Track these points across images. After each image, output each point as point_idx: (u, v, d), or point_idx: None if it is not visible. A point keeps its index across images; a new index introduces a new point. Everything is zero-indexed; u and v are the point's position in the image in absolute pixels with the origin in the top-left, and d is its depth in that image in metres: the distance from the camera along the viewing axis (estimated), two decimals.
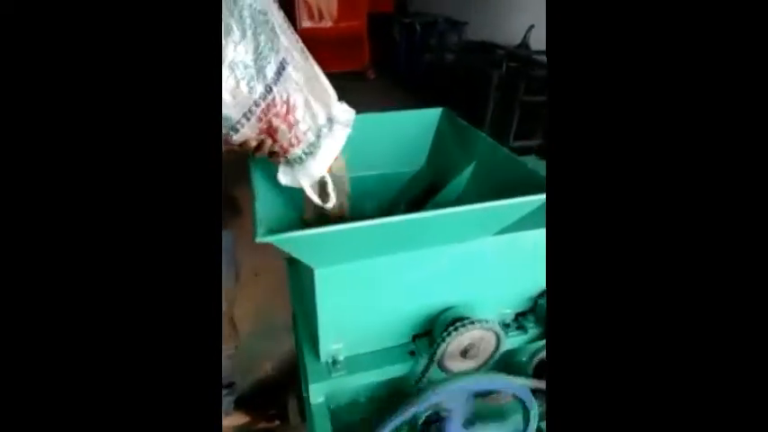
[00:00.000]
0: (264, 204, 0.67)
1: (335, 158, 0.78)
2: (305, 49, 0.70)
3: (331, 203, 0.84)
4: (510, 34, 3.58)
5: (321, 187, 0.82)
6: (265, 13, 0.63)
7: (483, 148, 0.91)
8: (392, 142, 1.06)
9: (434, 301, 0.86)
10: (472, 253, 0.81)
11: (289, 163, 0.76)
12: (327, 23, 4.52)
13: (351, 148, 0.80)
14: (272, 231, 0.59)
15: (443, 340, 0.79)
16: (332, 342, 0.82)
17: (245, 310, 1.64)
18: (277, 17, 0.64)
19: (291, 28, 0.67)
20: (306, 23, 4.44)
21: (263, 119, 0.67)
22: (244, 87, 0.63)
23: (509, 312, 0.95)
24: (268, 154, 0.73)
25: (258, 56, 0.63)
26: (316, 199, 0.82)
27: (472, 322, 0.79)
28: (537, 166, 0.91)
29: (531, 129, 2.47)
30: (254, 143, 0.70)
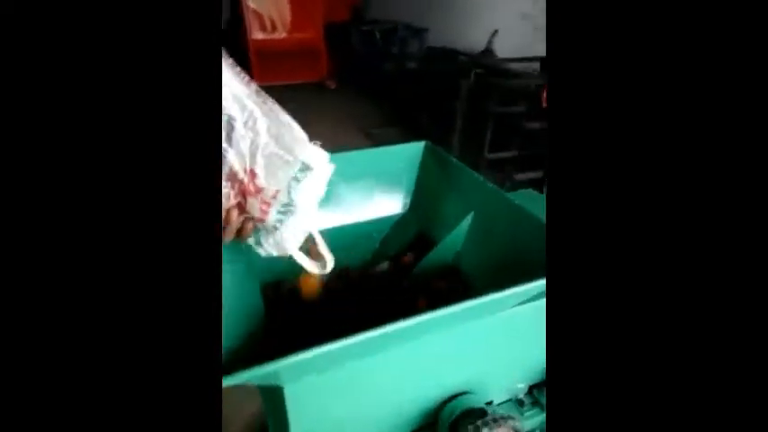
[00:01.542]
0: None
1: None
2: (260, 91, 0.52)
3: (329, 265, 0.67)
4: (472, 40, 3.48)
5: (311, 250, 0.66)
6: None
7: (482, 196, 0.75)
8: (369, 184, 0.89)
9: (437, 389, 0.69)
10: (479, 332, 0.65)
11: (266, 231, 0.58)
12: (281, 34, 4.29)
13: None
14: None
15: None
16: None
17: None
18: None
19: (237, 68, 0.49)
20: (257, 35, 4.19)
21: (230, 195, 0.52)
22: None
23: (522, 387, 0.79)
24: (236, 234, 0.56)
25: None
26: (310, 266, 0.65)
27: (486, 423, 0.63)
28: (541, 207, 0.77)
29: (505, 140, 2.36)
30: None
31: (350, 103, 4.11)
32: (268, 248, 0.59)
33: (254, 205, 0.54)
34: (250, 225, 0.56)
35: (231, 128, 0.48)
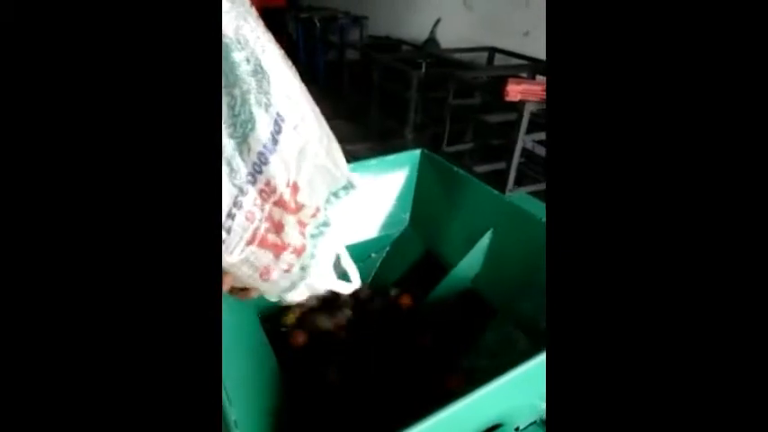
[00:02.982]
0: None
1: None
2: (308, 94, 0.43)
3: (357, 282, 0.58)
4: (412, 28, 3.43)
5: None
6: (232, 48, 0.36)
7: (498, 210, 0.69)
8: (363, 200, 0.80)
9: (468, 430, 0.64)
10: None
11: (297, 275, 0.48)
12: None
13: None
14: None
15: None
16: None
17: None
18: (268, 51, 0.37)
19: (289, 62, 0.40)
20: None
21: (255, 216, 0.40)
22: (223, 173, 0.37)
23: (545, 407, 0.76)
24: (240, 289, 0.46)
25: (236, 118, 0.37)
26: (339, 288, 0.56)
27: None
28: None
29: (461, 132, 2.34)
30: (248, 272, 0.42)
31: None
32: (294, 297, 0.49)
33: (291, 226, 0.44)
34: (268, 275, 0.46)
35: (278, 129, 0.38)
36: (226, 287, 0.43)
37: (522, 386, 0.63)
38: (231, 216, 0.39)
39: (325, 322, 0.70)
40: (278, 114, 0.38)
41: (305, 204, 0.44)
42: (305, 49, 4.00)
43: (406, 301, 0.73)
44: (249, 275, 0.43)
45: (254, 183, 0.39)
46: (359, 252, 0.82)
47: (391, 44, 3.39)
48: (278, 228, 0.43)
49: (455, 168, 0.76)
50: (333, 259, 0.53)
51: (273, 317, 0.74)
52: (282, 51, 0.39)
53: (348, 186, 0.47)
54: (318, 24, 3.71)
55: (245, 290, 0.46)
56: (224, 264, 0.40)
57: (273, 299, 0.50)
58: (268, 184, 0.40)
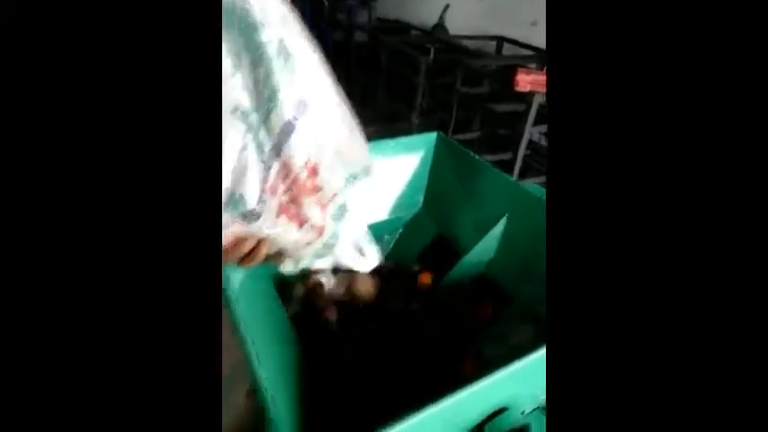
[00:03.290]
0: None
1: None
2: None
3: (374, 260, 0.62)
4: (420, 13, 3.39)
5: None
6: (258, 28, 0.36)
7: (513, 197, 0.70)
8: (377, 181, 0.81)
9: (476, 412, 0.65)
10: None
11: (320, 250, 0.50)
12: None
13: None
14: None
15: None
16: None
17: None
18: (294, 33, 0.39)
19: (315, 47, 0.41)
20: None
21: (278, 190, 0.41)
22: (251, 148, 0.38)
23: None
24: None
25: (260, 95, 0.37)
26: (362, 265, 0.60)
27: None
28: None
29: (468, 120, 2.33)
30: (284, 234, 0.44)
31: None
32: (320, 263, 0.51)
33: (311, 206, 0.45)
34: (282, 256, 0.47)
35: (301, 111, 0.39)
36: (261, 256, 0.44)
37: (531, 374, 0.64)
38: (263, 191, 0.39)
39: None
40: (300, 96, 0.39)
41: (323, 187, 0.45)
42: (311, 28, 3.95)
43: (425, 279, 0.74)
44: (288, 242, 0.45)
45: (277, 157, 0.40)
46: (372, 233, 0.82)
47: (400, 27, 3.34)
48: (297, 202, 0.44)
49: (471, 153, 0.77)
50: (355, 240, 0.54)
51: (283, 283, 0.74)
52: (308, 33, 0.39)
53: (366, 171, 0.48)
54: (327, 3, 3.66)
55: (278, 255, 0.48)
56: (262, 234, 0.41)
57: (288, 267, 0.51)
58: (287, 161, 0.40)
